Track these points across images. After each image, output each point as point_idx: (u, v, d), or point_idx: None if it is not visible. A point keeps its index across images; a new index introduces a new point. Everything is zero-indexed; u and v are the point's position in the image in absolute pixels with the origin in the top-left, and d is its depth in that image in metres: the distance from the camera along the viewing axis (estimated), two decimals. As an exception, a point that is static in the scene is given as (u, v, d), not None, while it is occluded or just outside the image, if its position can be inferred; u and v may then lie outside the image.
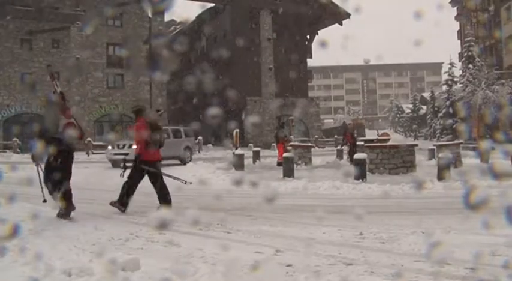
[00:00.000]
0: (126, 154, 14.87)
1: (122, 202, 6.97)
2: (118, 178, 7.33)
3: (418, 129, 54.41)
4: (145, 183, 7.32)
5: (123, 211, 6.94)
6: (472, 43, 35.67)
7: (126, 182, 7.03)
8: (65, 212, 6.31)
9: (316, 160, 17.00)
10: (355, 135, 18.09)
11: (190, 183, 7.93)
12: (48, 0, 30.01)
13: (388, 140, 17.77)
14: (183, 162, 17.43)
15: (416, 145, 14.54)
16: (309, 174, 12.59)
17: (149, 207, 7.04)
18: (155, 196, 7.08)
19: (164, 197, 7.00)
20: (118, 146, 15.91)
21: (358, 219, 5.82)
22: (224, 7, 37.51)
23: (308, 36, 39.68)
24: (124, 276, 3.58)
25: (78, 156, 23.82)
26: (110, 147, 16.95)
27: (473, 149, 21.22)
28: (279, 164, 15.00)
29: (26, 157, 12.24)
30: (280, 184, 10.37)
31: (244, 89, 34.19)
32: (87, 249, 4.52)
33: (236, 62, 35.09)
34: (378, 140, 17.42)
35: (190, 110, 38.41)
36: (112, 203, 7.00)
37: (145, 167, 6.99)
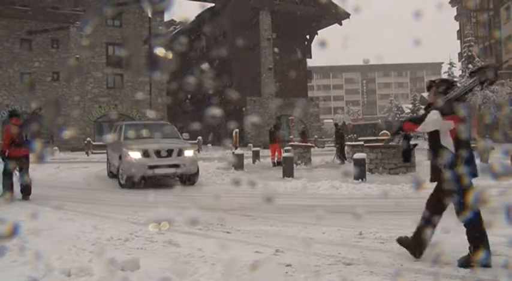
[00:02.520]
0: (177, 166, 10.47)
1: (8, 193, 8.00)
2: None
3: (417, 129, 54.34)
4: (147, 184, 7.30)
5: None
6: (472, 43, 35.68)
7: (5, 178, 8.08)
8: None
9: (316, 160, 17.01)
10: (354, 135, 18.39)
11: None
12: (48, 0, 29.99)
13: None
14: None
15: (416, 144, 14.49)
16: (309, 174, 12.57)
17: (147, 207, 7.05)
18: (154, 196, 7.08)
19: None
20: (159, 153, 10.40)
21: (357, 219, 5.82)
22: (224, 7, 37.50)
23: (308, 36, 39.66)
24: (123, 276, 3.57)
25: (78, 156, 23.99)
26: (135, 154, 10.32)
27: (473, 148, 21.17)
28: (278, 163, 15.00)
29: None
30: (279, 184, 10.36)
31: (244, 89, 34.18)
32: (86, 249, 4.52)
33: (236, 62, 35.07)
34: (378, 140, 17.43)
35: (190, 110, 38.39)
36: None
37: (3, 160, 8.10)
